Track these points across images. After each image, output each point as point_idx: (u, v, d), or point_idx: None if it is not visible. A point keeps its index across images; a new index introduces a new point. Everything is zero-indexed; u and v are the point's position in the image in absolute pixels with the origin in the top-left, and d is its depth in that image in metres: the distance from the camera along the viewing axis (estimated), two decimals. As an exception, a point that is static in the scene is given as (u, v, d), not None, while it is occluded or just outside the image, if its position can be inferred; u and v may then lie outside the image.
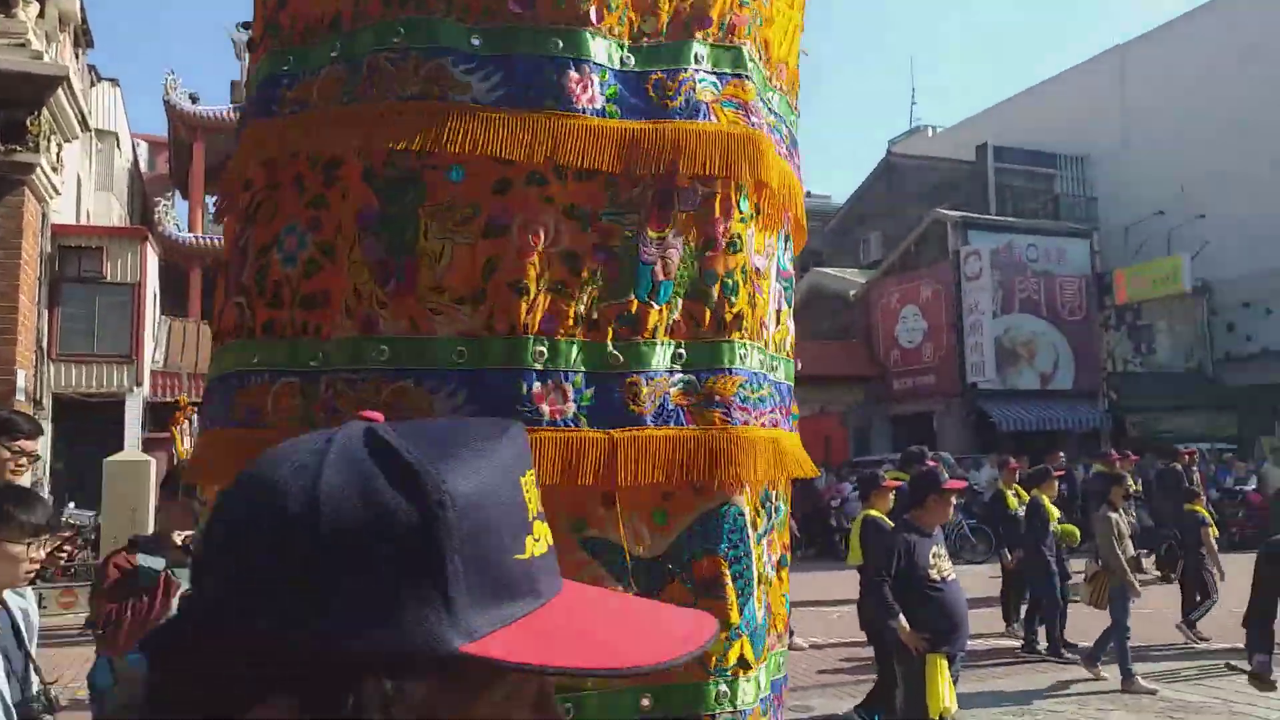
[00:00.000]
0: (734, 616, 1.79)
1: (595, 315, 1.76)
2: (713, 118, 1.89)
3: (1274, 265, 26.71)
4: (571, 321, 1.73)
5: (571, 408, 1.71)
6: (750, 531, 1.89)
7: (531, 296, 1.70)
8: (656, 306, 1.81)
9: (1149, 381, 27.48)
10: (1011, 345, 25.92)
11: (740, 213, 1.93)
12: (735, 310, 1.90)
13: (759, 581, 1.90)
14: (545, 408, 1.69)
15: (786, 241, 2.20)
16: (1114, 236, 29.98)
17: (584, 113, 1.77)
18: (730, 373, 1.87)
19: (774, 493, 2.06)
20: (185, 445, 9.98)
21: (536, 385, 1.69)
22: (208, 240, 24.55)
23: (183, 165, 26.89)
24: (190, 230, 26.04)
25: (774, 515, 2.06)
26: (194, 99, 25.17)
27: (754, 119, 1.97)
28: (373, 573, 0.59)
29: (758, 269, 1.99)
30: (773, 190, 2.01)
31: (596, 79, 1.81)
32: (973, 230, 26.37)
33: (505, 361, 1.68)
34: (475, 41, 1.74)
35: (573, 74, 1.78)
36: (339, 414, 1.60)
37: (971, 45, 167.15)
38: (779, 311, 2.12)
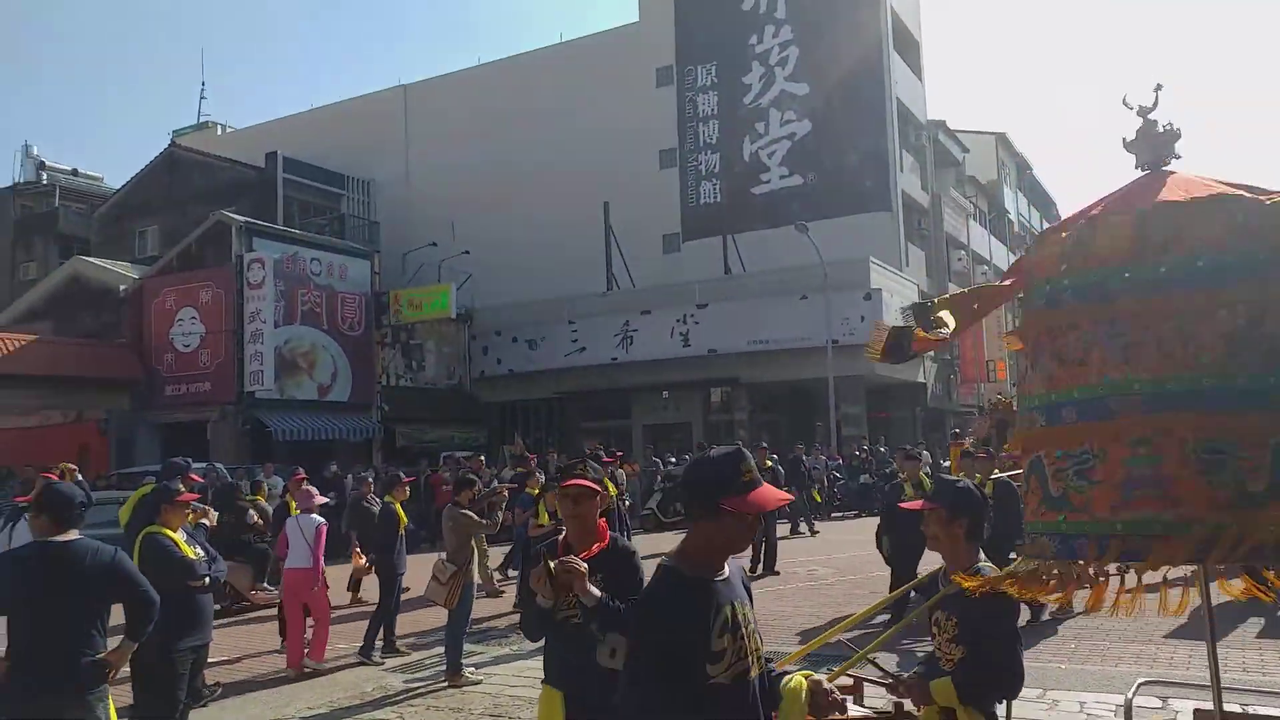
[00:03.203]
0: None
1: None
2: None
3: (519, 299, 31.07)
4: None
5: None
6: None
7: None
8: None
9: (417, 395, 29.80)
10: (292, 356, 25.91)
11: None
12: None
13: None
14: None
15: None
16: (393, 260, 32.01)
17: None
18: None
19: None
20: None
21: None
22: None
23: None
24: None
25: None
26: None
27: None
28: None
29: None
30: None
31: None
32: (258, 237, 25.75)
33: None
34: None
35: None
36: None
37: (262, 52, 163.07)
38: None
